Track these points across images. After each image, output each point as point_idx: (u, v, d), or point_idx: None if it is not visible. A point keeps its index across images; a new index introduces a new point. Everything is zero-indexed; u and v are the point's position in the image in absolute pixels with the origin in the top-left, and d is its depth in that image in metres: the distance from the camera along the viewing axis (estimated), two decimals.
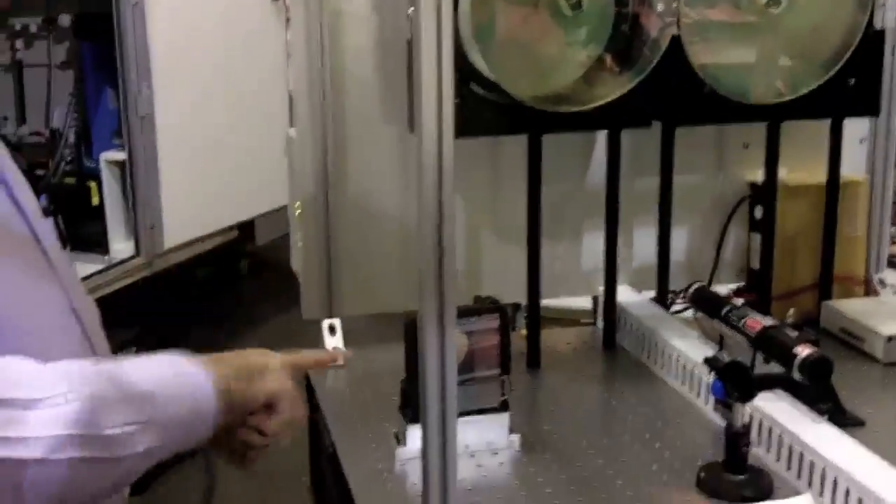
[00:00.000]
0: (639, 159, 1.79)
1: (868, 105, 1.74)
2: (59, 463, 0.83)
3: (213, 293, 4.47)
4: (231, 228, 3.99)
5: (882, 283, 1.92)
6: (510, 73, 1.55)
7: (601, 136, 1.75)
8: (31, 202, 1.05)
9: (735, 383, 1.32)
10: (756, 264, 1.83)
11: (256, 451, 1.08)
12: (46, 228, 1.07)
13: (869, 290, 1.90)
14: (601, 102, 1.59)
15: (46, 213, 1.08)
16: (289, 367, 1.08)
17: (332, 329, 1.69)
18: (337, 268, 1.75)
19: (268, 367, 1.05)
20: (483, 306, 1.40)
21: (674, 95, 1.63)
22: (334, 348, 1.67)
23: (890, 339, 1.67)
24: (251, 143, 3.84)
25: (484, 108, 1.57)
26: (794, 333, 1.44)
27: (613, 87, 1.60)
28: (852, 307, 1.79)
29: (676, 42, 1.59)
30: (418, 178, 1.01)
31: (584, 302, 1.94)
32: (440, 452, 0.90)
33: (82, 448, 0.84)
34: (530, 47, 1.60)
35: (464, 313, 1.37)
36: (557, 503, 1.28)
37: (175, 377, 0.95)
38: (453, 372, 0.93)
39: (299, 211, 1.76)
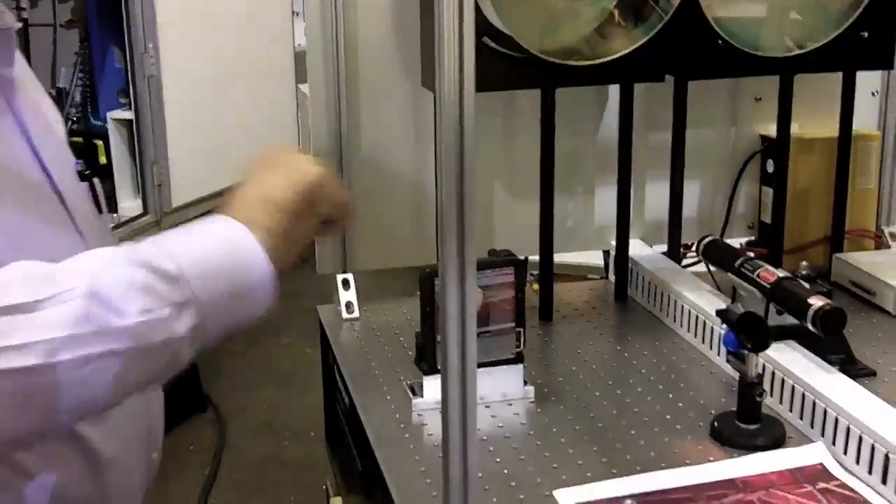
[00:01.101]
0: (651, 113, 1.79)
1: (881, 58, 1.73)
2: (64, 366, 0.79)
3: None
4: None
5: (893, 236, 1.93)
6: (523, 26, 1.54)
7: (614, 91, 1.75)
8: (61, 163, 1.06)
9: (748, 334, 1.33)
10: (768, 218, 1.83)
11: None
12: (79, 191, 1.08)
13: (880, 243, 1.91)
14: (613, 57, 1.59)
15: (82, 177, 1.08)
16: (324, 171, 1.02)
17: (345, 283, 1.71)
18: (351, 223, 1.75)
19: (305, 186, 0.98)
20: (498, 259, 1.41)
21: (687, 49, 1.63)
22: (348, 303, 1.68)
23: None
24: (259, 102, 3.84)
25: (497, 62, 1.57)
26: (807, 285, 1.45)
27: (625, 42, 1.59)
28: (863, 260, 1.79)
29: None
30: (438, 134, 1.01)
31: (596, 257, 1.95)
32: (460, 404, 0.91)
33: (95, 344, 0.80)
34: (542, 0, 1.59)
35: (479, 267, 1.37)
36: (572, 451, 1.29)
37: (218, 248, 0.89)
38: (473, 327, 0.94)
39: None
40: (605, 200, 1.80)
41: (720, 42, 1.63)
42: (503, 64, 1.57)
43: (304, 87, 1.79)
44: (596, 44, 1.61)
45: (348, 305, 1.68)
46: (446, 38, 1.15)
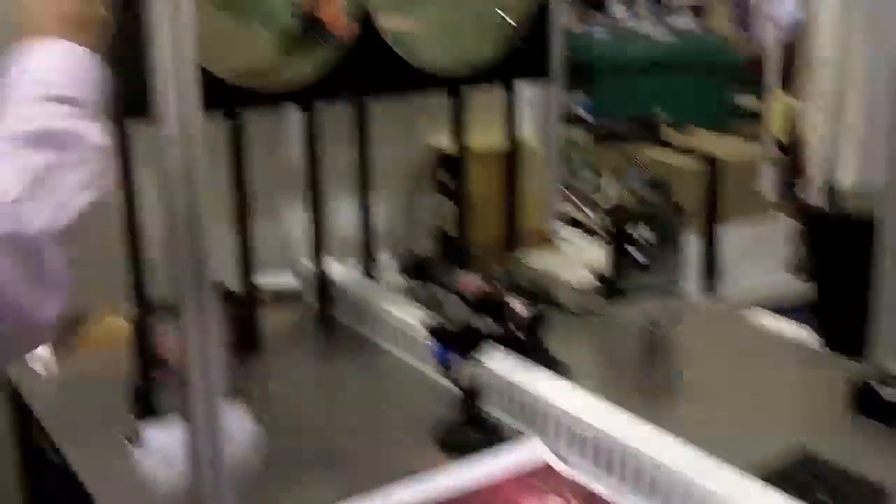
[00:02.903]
0: (329, 132, 1.79)
1: (539, 68, 1.85)
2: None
3: None
4: None
5: (556, 233, 2.07)
6: (206, 49, 1.49)
7: (295, 112, 1.74)
8: None
9: (456, 344, 1.37)
10: (448, 227, 1.91)
11: None
12: None
13: (548, 243, 2.04)
14: (297, 79, 1.58)
15: None
16: None
17: None
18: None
19: None
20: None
21: (365, 69, 1.66)
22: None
23: (578, 288, 1.80)
24: None
25: None
26: (504, 291, 1.52)
27: (309, 64, 1.59)
28: (539, 260, 1.91)
29: (367, 16, 1.62)
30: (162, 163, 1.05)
31: (286, 279, 1.93)
32: (210, 437, 0.87)
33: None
34: (224, 21, 1.55)
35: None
36: (306, 479, 1.27)
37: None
38: (219, 357, 0.91)
39: None
40: (290, 221, 1.79)
41: (395, 60, 1.67)
42: None
43: None
44: (281, 66, 1.59)
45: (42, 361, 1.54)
46: (167, 65, 1.12)
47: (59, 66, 1.02)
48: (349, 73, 1.63)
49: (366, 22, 1.62)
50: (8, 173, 0.89)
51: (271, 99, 1.60)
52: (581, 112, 3.95)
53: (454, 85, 1.78)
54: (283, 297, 1.83)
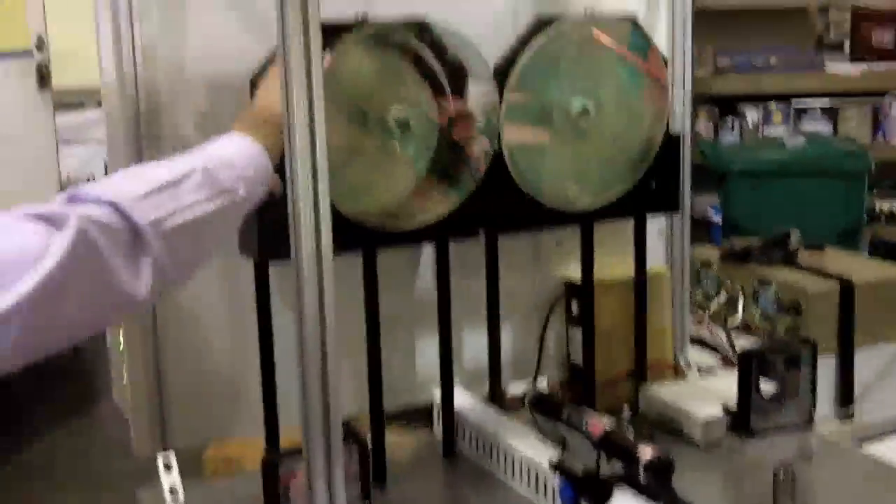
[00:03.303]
0: (460, 264, 1.83)
1: (669, 202, 1.87)
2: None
3: None
4: None
5: (688, 363, 2.05)
6: (340, 191, 1.56)
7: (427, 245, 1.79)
8: None
9: (583, 488, 1.38)
10: (576, 357, 1.92)
11: None
12: None
13: (679, 372, 2.03)
14: (430, 219, 1.64)
15: None
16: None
17: (167, 466, 1.63)
18: (167, 398, 1.69)
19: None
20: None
21: (497, 205, 1.70)
22: (171, 488, 1.60)
23: (707, 423, 1.79)
24: None
25: None
26: (632, 433, 1.52)
27: (441, 203, 1.64)
28: (668, 392, 1.89)
29: (498, 156, 1.66)
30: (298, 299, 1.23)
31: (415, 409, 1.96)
32: None
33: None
34: (359, 165, 1.61)
35: None
36: None
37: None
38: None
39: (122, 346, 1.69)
40: (425, 352, 1.83)
41: (526, 197, 1.71)
42: None
43: None
44: (412, 207, 1.64)
45: (172, 491, 1.60)
46: (302, 206, 1.22)
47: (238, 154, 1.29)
48: (480, 209, 1.68)
49: (495, 155, 1.67)
50: (142, 184, 1.15)
51: (404, 237, 1.65)
52: (713, 216, 3.95)
53: (584, 219, 1.80)
54: (410, 427, 1.86)
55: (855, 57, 4.41)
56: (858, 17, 4.47)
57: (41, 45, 3.57)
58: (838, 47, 4.50)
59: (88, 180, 4.29)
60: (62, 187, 3.85)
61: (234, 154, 1.28)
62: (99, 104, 1.68)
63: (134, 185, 1.14)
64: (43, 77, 3.61)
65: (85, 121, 4.06)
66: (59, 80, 3.84)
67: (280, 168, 1.33)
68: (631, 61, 1.78)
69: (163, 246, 1.12)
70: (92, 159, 4.09)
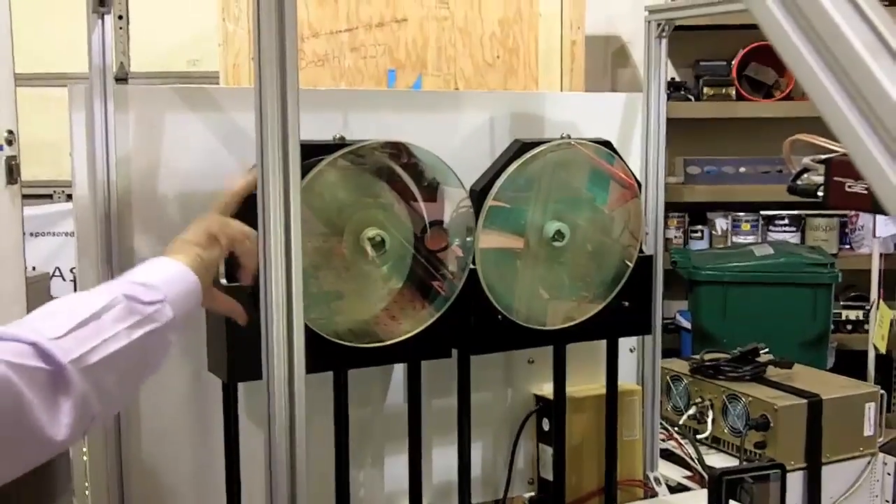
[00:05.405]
0: (432, 381, 1.82)
1: (641, 325, 1.88)
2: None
3: None
4: None
5: (658, 480, 2.04)
6: (313, 309, 1.55)
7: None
8: None
9: None
10: (547, 474, 1.90)
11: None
12: None
13: (647, 490, 2.01)
14: (404, 337, 1.63)
15: None
16: (222, 208, 1.44)
17: None
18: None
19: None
20: None
21: (470, 325, 1.70)
22: None
23: None
24: None
25: None
26: None
27: (414, 322, 1.64)
28: None
29: (472, 275, 1.67)
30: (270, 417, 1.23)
31: None
32: None
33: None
34: (332, 281, 1.61)
35: None
36: None
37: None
38: None
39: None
40: (393, 468, 1.81)
41: (500, 317, 1.72)
42: None
43: None
44: (386, 324, 1.64)
45: None
46: (275, 328, 1.22)
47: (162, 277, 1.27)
48: (453, 328, 1.67)
49: (470, 273, 1.67)
50: (63, 319, 1.12)
51: (377, 358, 1.64)
52: (683, 322, 3.98)
53: (555, 340, 1.81)
54: None
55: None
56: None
57: (11, 140, 3.56)
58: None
59: (53, 275, 4.24)
60: (27, 280, 3.80)
61: (158, 277, 1.26)
62: (69, 197, 1.68)
63: (56, 321, 1.11)
64: (12, 171, 3.59)
65: (52, 213, 4.05)
66: (27, 171, 3.83)
67: (254, 290, 1.33)
68: (608, 175, 1.80)
69: (86, 381, 1.09)
70: (59, 251, 4.06)
